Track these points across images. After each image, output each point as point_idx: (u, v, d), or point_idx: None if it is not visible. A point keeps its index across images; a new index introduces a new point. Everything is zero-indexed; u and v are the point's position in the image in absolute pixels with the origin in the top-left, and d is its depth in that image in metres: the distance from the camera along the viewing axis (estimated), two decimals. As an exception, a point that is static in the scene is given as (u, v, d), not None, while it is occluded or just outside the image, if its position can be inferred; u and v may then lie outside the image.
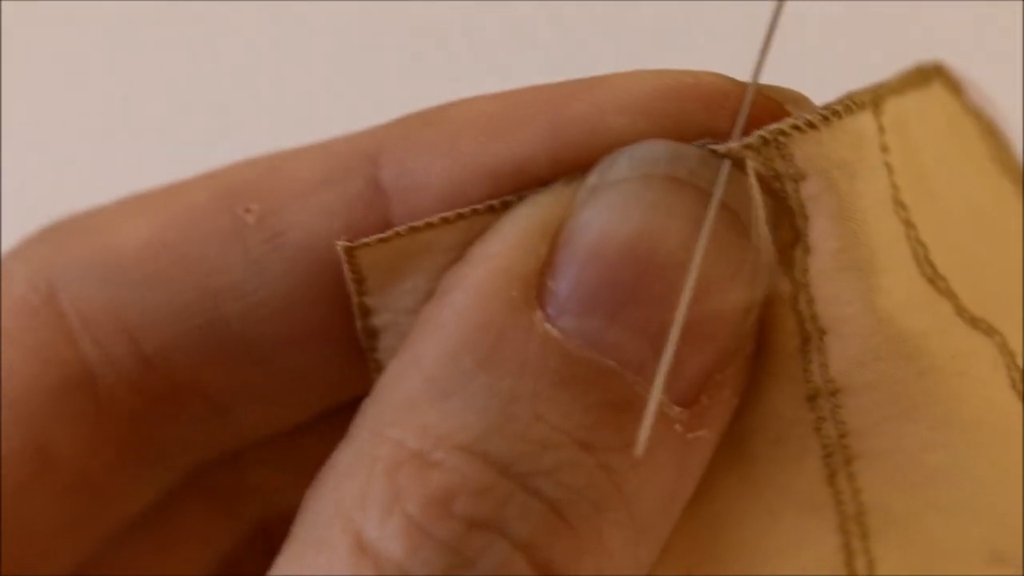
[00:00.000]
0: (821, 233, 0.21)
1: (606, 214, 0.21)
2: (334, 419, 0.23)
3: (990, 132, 0.23)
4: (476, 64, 0.43)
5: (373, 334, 0.23)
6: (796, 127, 0.21)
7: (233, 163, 0.25)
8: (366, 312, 0.23)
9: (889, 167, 0.22)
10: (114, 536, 0.25)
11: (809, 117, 0.21)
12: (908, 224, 0.22)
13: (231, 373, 0.24)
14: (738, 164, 0.21)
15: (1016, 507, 0.23)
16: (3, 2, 0.47)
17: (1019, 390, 0.23)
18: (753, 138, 0.21)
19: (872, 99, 0.21)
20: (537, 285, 0.21)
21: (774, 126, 0.21)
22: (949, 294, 0.22)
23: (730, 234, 0.21)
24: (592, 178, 0.21)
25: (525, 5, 0.45)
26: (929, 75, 0.22)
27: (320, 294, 0.23)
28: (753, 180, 0.21)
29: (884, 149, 0.22)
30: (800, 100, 0.22)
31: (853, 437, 0.22)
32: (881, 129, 0.22)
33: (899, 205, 0.22)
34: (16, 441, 0.24)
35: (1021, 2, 0.23)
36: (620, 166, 0.21)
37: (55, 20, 0.48)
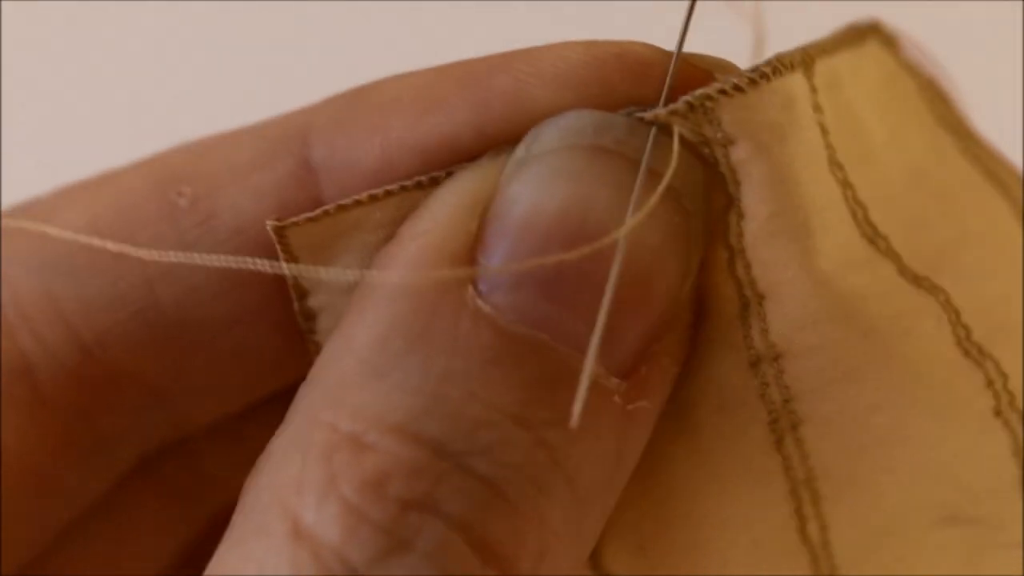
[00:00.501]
0: (754, 197, 0.21)
1: (534, 187, 0.21)
2: (284, 404, 0.23)
3: (928, 87, 0.23)
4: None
5: (310, 316, 0.23)
6: (722, 91, 0.21)
7: (167, 148, 0.24)
8: (302, 293, 0.23)
9: (823, 127, 0.21)
10: (66, 531, 0.25)
11: (735, 80, 0.21)
12: (845, 184, 0.21)
13: (170, 359, 0.24)
14: (666, 131, 0.21)
15: (967, 467, 0.23)
16: (3, 2, 0.47)
17: (963, 347, 0.22)
18: (679, 104, 0.21)
19: (802, 59, 0.21)
20: (468, 261, 0.21)
21: (700, 91, 0.21)
22: (890, 253, 0.22)
23: (661, 201, 0.21)
24: (519, 151, 0.21)
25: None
26: (863, 33, 0.22)
27: (255, 276, 0.23)
28: (677, 146, 0.21)
29: (817, 109, 0.21)
30: (728, 67, 0.22)
31: (798, 402, 0.22)
32: (813, 89, 0.21)
33: (835, 165, 0.21)
34: None
35: (1021, 2, 0.23)
36: (546, 137, 0.21)
37: (55, 20, 0.48)
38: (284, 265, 0.22)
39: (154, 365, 0.24)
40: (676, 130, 0.21)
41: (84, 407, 0.24)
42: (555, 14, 0.45)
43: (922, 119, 0.22)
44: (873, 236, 0.22)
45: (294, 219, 0.22)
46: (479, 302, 0.20)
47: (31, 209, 0.24)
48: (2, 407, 0.24)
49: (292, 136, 0.23)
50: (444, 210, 0.21)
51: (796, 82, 0.21)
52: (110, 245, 0.23)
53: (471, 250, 0.21)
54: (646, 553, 0.23)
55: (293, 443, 0.21)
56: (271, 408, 0.25)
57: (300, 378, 0.22)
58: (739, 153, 0.21)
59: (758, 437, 0.22)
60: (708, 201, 0.21)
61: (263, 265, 0.22)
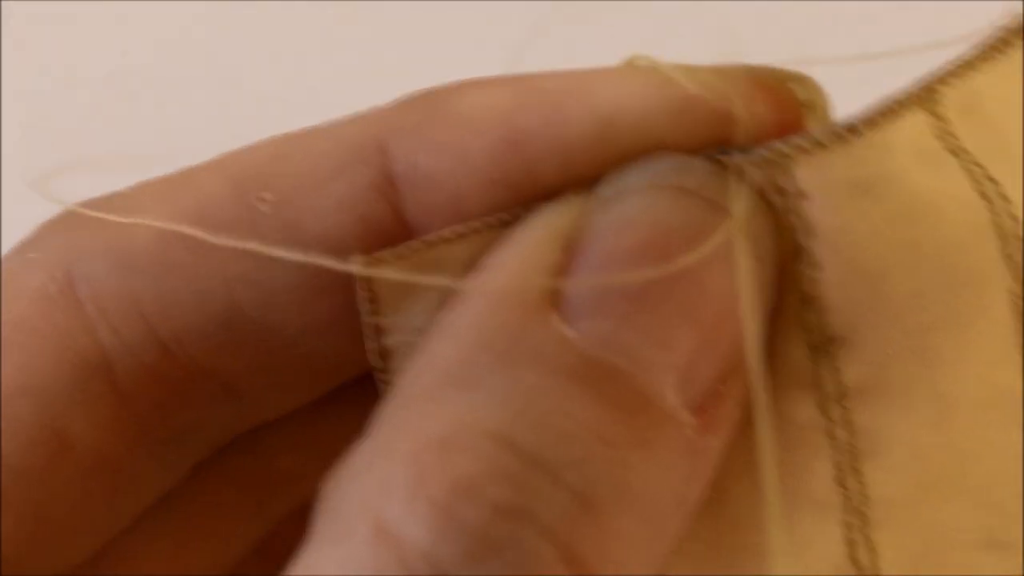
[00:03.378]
0: (828, 249, 0.22)
1: (618, 223, 0.21)
2: (353, 397, 0.24)
3: None
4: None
5: (386, 355, 0.23)
6: (801, 148, 0.21)
7: (243, 148, 0.25)
8: (379, 332, 0.23)
9: (961, 152, 0.22)
10: (135, 523, 0.26)
11: (818, 137, 0.21)
12: (1002, 198, 0.22)
13: (245, 359, 0.24)
14: (740, 175, 0.22)
15: (1013, 491, 0.23)
16: (3, 1, 0.47)
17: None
18: (755, 155, 0.21)
19: (920, 96, 0.21)
20: (552, 291, 0.21)
21: (778, 145, 0.21)
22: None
23: (737, 245, 0.21)
24: (604, 189, 0.22)
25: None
26: (1008, 39, 0.22)
27: (333, 283, 0.23)
28: (748, 194, 0.21)
29: (946, 137, 0.22)
30: (804, 81, 0.23)
31: (862, 437, 0.23)
32: (941, 119, 0.22)
33: (989, 181, 0.22)
34: (34, 427, 0.24)
35: (1022, 2, 0.23)
36: (631, 178, 0.22)
37: (55, 20, 0.48)
38: (363, 305, 0.22)
39: (228, 364, 0.24)
40: (748, 180, 0.21)
41: (159, 402, 0.25)
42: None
43: None
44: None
45: (380, 255, 0.22)
46: (563, 327, 0.21)
47: (111, 203, 0.25)
48: (80, 399, 0.24)
49: (373, 144, 0.24)
50: (528, 243, 0.22)
51: (905, 126, 0.21)
52: (200, 234, 0.23)
53: (554, 281, 0.21)
54: None
55: (377, 450, 0.21)
56: (339, 400, 0.25)
57: (367, 370, 0.22)
58: (813, 206, 0.22)
59: (822, 473, 0.23)
60: (777, 249, 0.22)
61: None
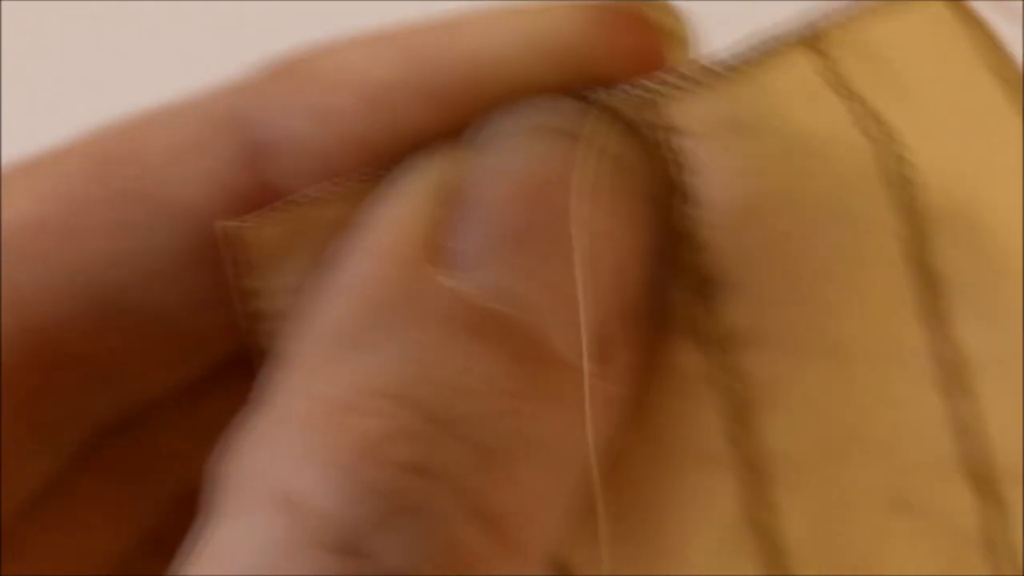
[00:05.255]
0: (709, 185, 0.21)
1: (495, 170, 0.21)
2: (232, 373, 0.23)
3: (988, 42, 0.22)
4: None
5: (257, 319, 0.23)
6: (674, 85, 0.21)
7: (103, 127, 0.24)
8: (249, 296, 0.23)
9: (846, 91, 0.21)
10: (16, 515, 0.25)
11: (692, 75, 0.21)
12: (888, 138, 0.22)
13: (119, 340, 0.24)
14: (609, 113, 0.21)
15: (922, 451, 0.23)
16: (3, 1, 0.47)
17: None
18: (624, 93, 0.21)
19: (808, 36, 0.21)
20: (435, 246, 0.21)
21: (649, 83, 0.21)
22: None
23: (619, 182, 0.21)
24: (476, 137, 0.22)
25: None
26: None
27: (201, 257, 0.23)
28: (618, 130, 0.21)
29: (831, 75, 0.21)
30: (665, 8, 0.22)
31: (754, 387, 0.22)
32: (828, 58, 0.21)
33: (875, 121, 0.22)
34: None
35: (1021, 2, 0.23)
36: (503, 123, 0.22)
37: (55, 20, 0.48)
38: (230, 268, 0.22)
39: (104, 348, 0.24)
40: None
41: (34, 387, 0.24)
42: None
43: (981, 77, 0.22)
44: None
45: (247, 220, 0.22)
46: (452, 280, 0.20)
47: None
48: None
49: (234, 113, 0.23)
50: (406, 198, 0.21)
51: (785, 67, 0.21)
52: None
53: (439, 235, 0.21)
54: (612, 547, 0.23)
55: (272, 419, 0.20)
56: (219, 378, 0.25)
57: (246, 349, 0.22)
58: (688, 142, 0.21)
59: (710, 421, 0.22)
60: (654, 186, 0.22)
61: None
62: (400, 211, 0.21)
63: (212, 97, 0.24)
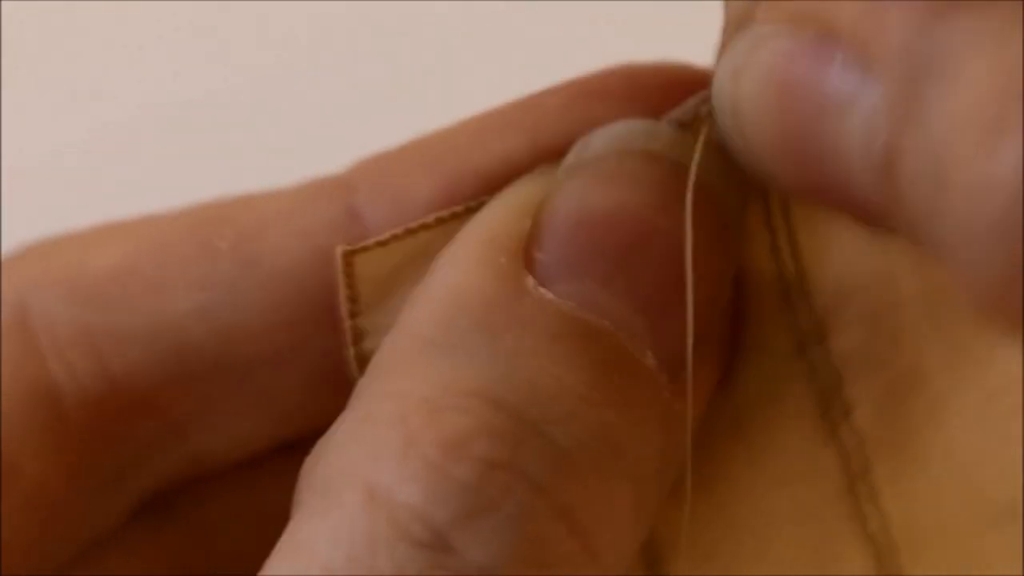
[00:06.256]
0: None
1: (586, 187, 0.21)
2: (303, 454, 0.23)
3: None
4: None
5: (364, 362, 0.23)
6: None
7: (211, 198, 0.25)
8: (359, 337, 0.23)
9: None
10: (74, 560, 0.25)
11: None
12: None
13: (196, 395, 0.24)
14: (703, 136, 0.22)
15: (1014, 449, 0.23)
16: (3, 1, 0.47)
17: None
18: (703, 106, 0.22)
19: None
20: (524, 257, 0.21)
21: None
22: None
23: (705, 205, 0.21)
24: (569, 158, 0.22)
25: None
26: None
27: (291, 319, 0.24)
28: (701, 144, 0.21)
29: None
30: None
31: (849, 385, 0.22)
32: None
33: None
34: None
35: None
36: (596, 144, 0.22)
37: (55, 20, 0.48)
38: (344, 306, 0.22)
39: (179, 402, 0.24)
40: (704, 132, 0.22)
41: (104, 436, 0.24)
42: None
43: None
44: None
45: (364, 243, 0.22)
46: (540, 289, 0.21)
47: (67, 240, 0.25)
48: (26, 428, 0.24)
49: (336, 183, 0.24)
50: (496, 213, 0.22)
51: None
52: None
53: (526, 247, 0.21)
54: (712, 561, 0.23)
55: (360, 419, 0.21)
56: (289, 458, 0.25)
57: (324, 427, 0.22)
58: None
59: (809, 427, 0.23)
60: (743, 200, 0.22)
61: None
62: (491, 223, 0.22)
63: (319, 177, 0.24)
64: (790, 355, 0.22)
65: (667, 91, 0.22)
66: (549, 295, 0.21)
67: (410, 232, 0.22)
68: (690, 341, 0.21)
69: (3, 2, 0.47)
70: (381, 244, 0.22)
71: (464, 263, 0.21)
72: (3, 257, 0.25)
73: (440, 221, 0.22)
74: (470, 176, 0.23)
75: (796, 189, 0.21)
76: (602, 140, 0.22)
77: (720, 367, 0.22)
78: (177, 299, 0.24)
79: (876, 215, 0.19)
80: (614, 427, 0.20)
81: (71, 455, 0.24)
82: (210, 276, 0.24)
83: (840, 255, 0.22)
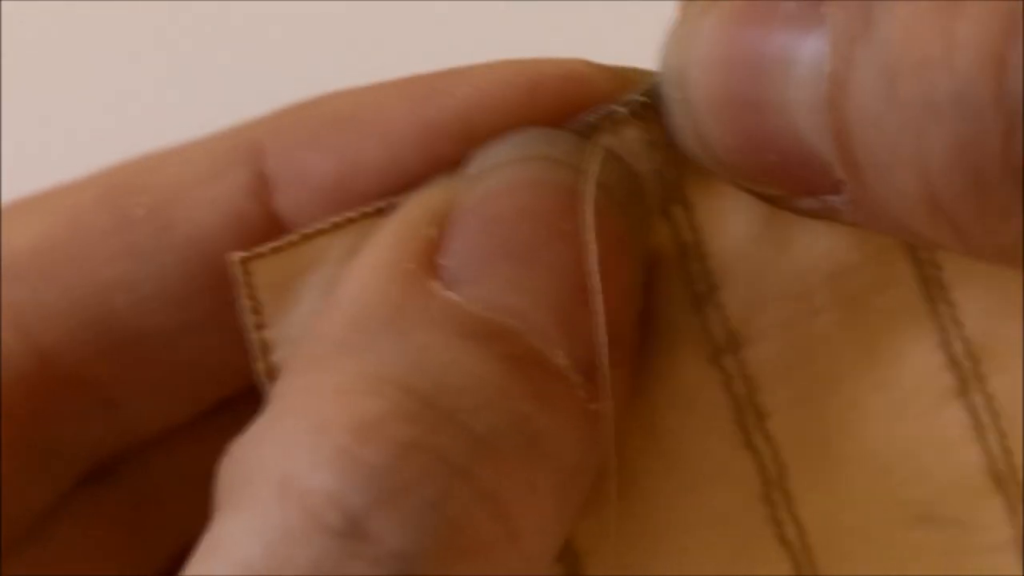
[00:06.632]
0: (700, 191, 0.22)
1: (489, 193, 0.22)
2: (238, 414, 0.23)
3: None
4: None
5: (273, 374, 0.22)
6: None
7: (119, 162, 0.25)
8: (266, 349, 0.23)
9: None
10: (11, 542, 0.25)
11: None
12: None
13: (124, 366, 0.24)
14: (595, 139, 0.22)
15: (930, 456, 0.23)
16: (3, 1, 0.47)
17: (935, 307, 0.22)
18: (602, 116, 0.22)
19: None
20: (429, 263, 0.21)
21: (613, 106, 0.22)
22: None
23: (606, 207, 0.21)
24: (472, 167, 0.22)
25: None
26: None
27: (209, 284, 0.24)
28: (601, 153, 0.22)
29: None
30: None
31: (763, 393, 0.22)
32: None
33: None
34: None
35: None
36: (498, 152, 0.22)
37: (55, 20, 0.48)
38: (248, 318, 0.22)
39: (107, 372, 0.24)
40: (601, 140, 0.22)
41: (36, 413, 0.24)
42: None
43: None
44: None
45: (259, 249, 0.22)
46: (446, 292, 0.21)
47: None
48: None
49: (246, 148, 0.24)
50: (400, 222, 0.22)
51: None
52: None
53: (431, 253, 0.21)
54: (629, 565, 0.23)
55: (271, 416, 0.20)
56: (224, 416, 0.25)
57: (247, 387, 0.22)
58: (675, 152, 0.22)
59: (726, 435, 0.23)
60: (646, 208, 0.22)
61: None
62: (396, 232, 0.22)
63: (228, 132, 0.25)
64: (702, 363, 0.22)
65: (569, 94, 0.22)
66: (456, 297, 0.21)
67: (306, 237, 0.22)
68: (603, 341, 0.21)
69: (3, 2, 0.47)
70: (277, 250, 0.22)
71: (370, 271, 0.21)
72: None
73: (336, 226, 0.22)
74: (367, 171, 0.23)
75: (741, 160, 0.21)
76: (504, 148, 0.22)
77: (630, 371, 0.22)
78: (98, 270, 0.24)
79: (818, 176, 0.19)
80: (531, 418, 0.20)
81: (6, 433, 0.24)
82: (128, 245, 0.24)
83: (752, 266, 0.22)
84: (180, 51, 0.49)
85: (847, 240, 0.22)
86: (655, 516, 0.23)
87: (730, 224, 0.22)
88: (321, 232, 0.22)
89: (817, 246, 0.22)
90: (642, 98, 0.22)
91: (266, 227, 0.24)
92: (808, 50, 0.19)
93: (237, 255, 0.22)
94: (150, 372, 0.25)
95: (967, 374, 0.23)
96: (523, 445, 0.20)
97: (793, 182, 0.20)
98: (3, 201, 0.26)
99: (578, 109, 0.22)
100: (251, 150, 0.24)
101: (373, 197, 0.23)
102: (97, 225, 0.24)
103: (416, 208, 0.22)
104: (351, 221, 0.22)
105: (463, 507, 0.19)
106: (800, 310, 0.22)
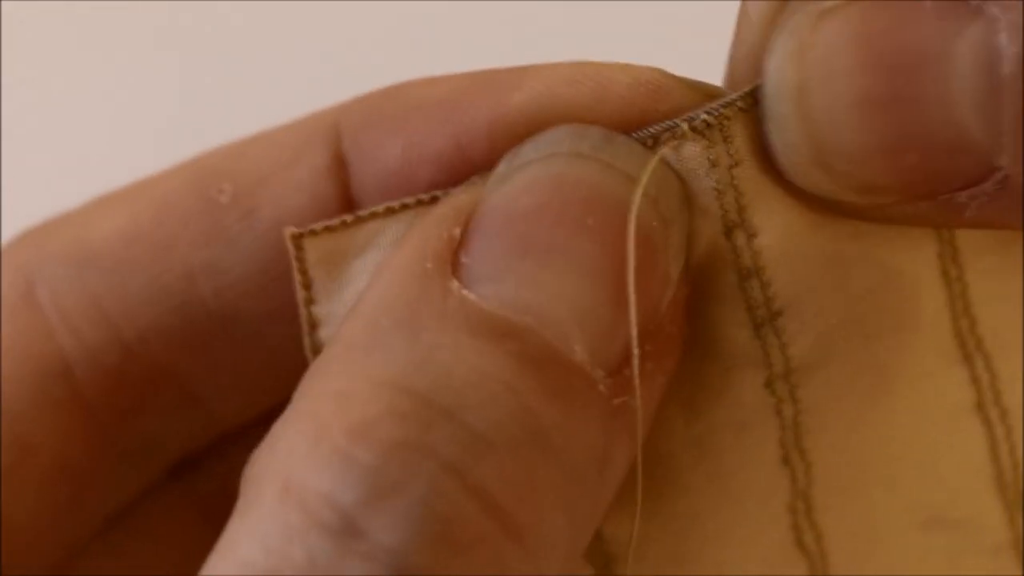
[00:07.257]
0: (766, 215, 0.21)
1: (511, 191, 0.21)
2: None
3: None
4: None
5: (314, 324, 0.23)
6: (725, 115, 0.21)
7: (203, 152, 0.25)
8: (313, 326, 0.23)
9: None
10: (98, 532, 0.25)
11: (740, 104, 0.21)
12: None
13: (209, 356, 0.24)
14: (652, 147, 0.22)
15: (945, 464, 0.23)
16: (3, 1, 0.47)
17: (961, 339, 0.23)
18: (665, 127, 0.21)
19: None
20: (451, 261, 0.21)
21: (705, 112, 0.21)
22: None
23: (644, 215, 0.21)
24: (500, 167, 0.22)
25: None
26: None
27: (290, 269, 0.23)
28: (659, 161, 0.21)
29: None
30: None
31: (807, 414, 0.22)
32: None
33: None
34: None
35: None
36: (526, 151, 0.22)
37: (55, 20, 0.48)
38: (300, 293, 0.22)
39: (192, 363, 0.24)
40: (661, 150, 0.21)
41: (121, 407, 0.25)
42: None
43: None
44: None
45: (312, 227, 0.22)
46: (464, 291, 0.21)
47: (68, 215, 0.25)
48: (41, 406, 0.24)
49: (324, 131, 0.24)
50: (430, 222, 0.22)
51: None
52: None
53: (453, 252, 0.21)
54: (671, 565, 0.23)
55: (283, 421, 0.21)
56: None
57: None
58: (746, 171, 0.21)
59: (769, 454, 0.23)
60: (688, 214, 0.22)
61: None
62: (422, 233, 0.22)
63: (309, 116, 0.25)
64: (760, 387, 0.22)
65: (640, 102, 0.22)
66: (471, 295, 0.21)
67: (360, 220, 0.22)
68: (635, 335, 0.21)
69: (3, 2, 0.47)
70: (330, 230, 0.22)
71: (391, 271, 0.21)
72: (7, 242, 0.25)
73: (390, 211, 0.22)
74: (432, 156, 0.23)
75: (873, 164, 0.20)
76: (531, 147, 0.22)
77: (666, 375, 0.22)
78: (183, 256, 0.24)
79: (971, 166, 0.20)
80: (538, 414, 0.20)
81: (88, 429, 0.24)
82: (214, 230, 0.24)
83: (812, 294, 0.22)
84: (180, 51, 0.49)
85: (892, 269, 0.22)
86: (703, 531, 0.23)
87: (793, 252, 0.22)
88: (374, 215, 0.22)
89: (871, 276, 0.22)
90: (707, 116, 0.21)
91: (344, 209, 0.24)
92: (968, 42, 0.19)
93: (291, 230, 0.22)
94: (235, 362, 0.25)
95: (984, 387, 0.23)
96: (525, 440, 0.20)
97: (930, 178, 0.20)
98: (3, 200, 0.26)
99: (647, 117, 0.22)
100: (329, 133, 0.24)
101: (436, 185, 0.23)
102: (183, 211, 0.24)
103: (444, 207, 0.22)
104: (405, 207, 0.22)
105: (453, 503, 0.19)
106: (854, 335, 0.22)
